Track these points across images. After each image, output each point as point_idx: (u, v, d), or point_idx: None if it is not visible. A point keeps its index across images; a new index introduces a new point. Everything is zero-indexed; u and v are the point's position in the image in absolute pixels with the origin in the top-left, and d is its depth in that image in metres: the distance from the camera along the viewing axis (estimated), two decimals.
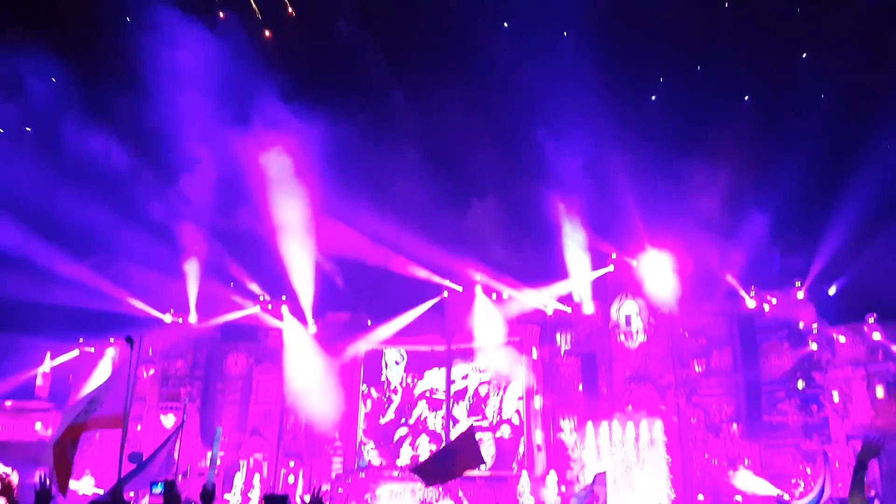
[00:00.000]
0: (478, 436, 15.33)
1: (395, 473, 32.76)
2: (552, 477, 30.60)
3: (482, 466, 23.54)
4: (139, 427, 34.30)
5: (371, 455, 34.85)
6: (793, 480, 27.75)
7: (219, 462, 28.71)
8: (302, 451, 35.84)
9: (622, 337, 33.41)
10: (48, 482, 4.62)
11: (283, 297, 36.29)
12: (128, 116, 33.30)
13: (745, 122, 33.28)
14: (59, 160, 31.27)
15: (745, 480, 28.04)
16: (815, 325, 29.00)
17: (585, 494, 19.95)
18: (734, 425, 30.67)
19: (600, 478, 18.59)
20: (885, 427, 26.51)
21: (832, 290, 30.18)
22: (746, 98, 35.17)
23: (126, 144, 33.24)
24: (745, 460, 29.86)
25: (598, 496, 18.60)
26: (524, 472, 31.15)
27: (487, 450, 32.32)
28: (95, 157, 31.75)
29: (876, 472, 25.19)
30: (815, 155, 30.52)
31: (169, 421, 35.94)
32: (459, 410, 35.00)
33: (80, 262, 31.52)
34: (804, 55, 34.10)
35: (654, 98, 37.22)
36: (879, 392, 26.75)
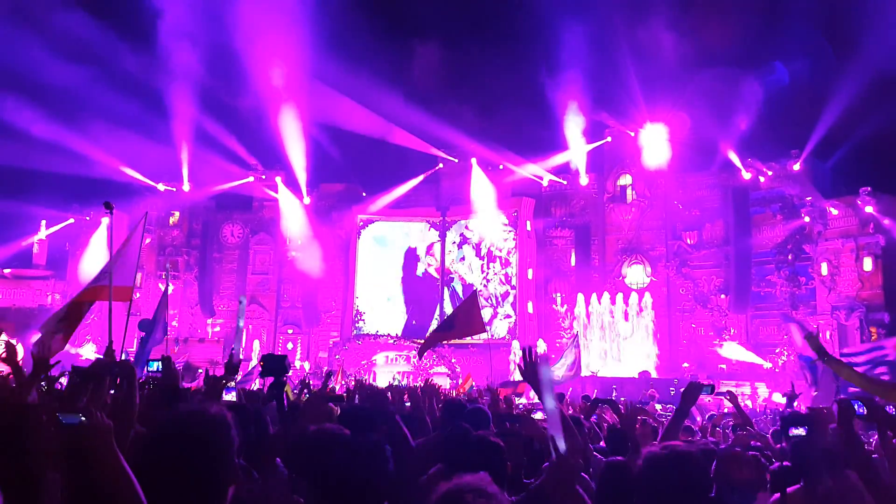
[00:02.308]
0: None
1: (391, 341, 33.57)
2: (542, 345, 31.42)
3: (482, 336, 23.79)
4: (138, 295, 34.79)
5: (367, 323, 35.68)
6: (777, 350, 28.50)
7: (243, 332, 29.35)
8: (300, 319, 36.69)
9: (616, 209, 33.51)
10: (45, 351, 4.61)
11: (277, 168, 36.03)
12: None
13: None
14: (36, 23, 30.07)
15: (734, 351, 28.78)
16: (808, 198, 28.92)
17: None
18: (722, 296, 31.25)
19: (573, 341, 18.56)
20: (869, 299, 27.06)
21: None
22: None
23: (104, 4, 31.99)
24: (731, 330, 30.61)
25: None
26: (515, 341, 31.97)
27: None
28: (77, 22, 30.51)
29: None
30: (817, 24, 29.61)
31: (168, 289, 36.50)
32: (455, 282, 35.59)
33: (67, 128, 30.90)
34: None
35: None
36: (867, 264, 27.02)
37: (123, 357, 9.56)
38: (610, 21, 31.75)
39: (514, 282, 34.58)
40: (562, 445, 3.18)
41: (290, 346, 36.31)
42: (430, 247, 36.30)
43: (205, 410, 2.49)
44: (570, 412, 10.67)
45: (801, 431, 4.85)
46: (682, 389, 4.89)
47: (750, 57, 31.87)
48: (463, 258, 35.72)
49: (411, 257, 36.48)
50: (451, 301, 34.34)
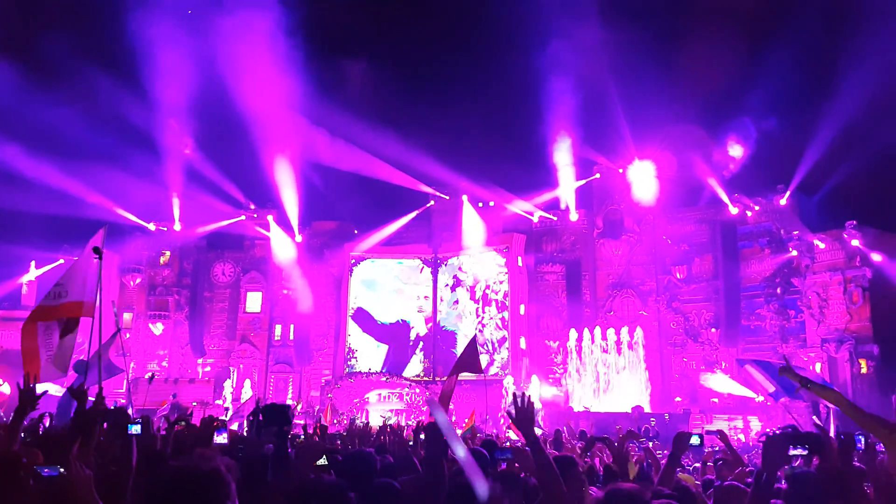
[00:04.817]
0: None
1: (384, 378, 33.37)
2: (535, 381, 31.35)
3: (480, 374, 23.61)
4: (128, 335, 34.60)
5: (359, 361, 35.52)
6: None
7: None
8: (291, 358, 36.49)
9: (606, 244, 33.72)
10: (32, 382, 4.60)
11: (269, 206, 36.17)
12: (94, 16, 32.35)
13: (732, 27, 32.58)
14: (26, 62, 30.33)
15: (720, 383, 28.81)
16: (795, 232, 29.23)
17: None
18: (713, 330, 31.37)
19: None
20: (858, 331, 27.20)
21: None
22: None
23: (94, 47, 32.34)
24: (723, 364, 30.67)
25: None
26: (508, 376, 31.86)
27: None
28: (67, 63, 30.79)
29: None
30: (800, 62, 30.24)
31: (158, 329, 36.31)
32: (447, 317, 35.55)
33: (58, 168, 30.98)
34: None
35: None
36: (855, 297, 27.25)
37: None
38: (598, 61, 32.28)
39: (506, 315, 34.42)
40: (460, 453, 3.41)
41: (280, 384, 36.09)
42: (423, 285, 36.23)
43: (197, 466, 2.47)
44: (566, 448, 10.66)
45: (801, 452, 4.15)
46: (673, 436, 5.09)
47: (734, 100, 32.50)
48: (457, 301, 35.59)
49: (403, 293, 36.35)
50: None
